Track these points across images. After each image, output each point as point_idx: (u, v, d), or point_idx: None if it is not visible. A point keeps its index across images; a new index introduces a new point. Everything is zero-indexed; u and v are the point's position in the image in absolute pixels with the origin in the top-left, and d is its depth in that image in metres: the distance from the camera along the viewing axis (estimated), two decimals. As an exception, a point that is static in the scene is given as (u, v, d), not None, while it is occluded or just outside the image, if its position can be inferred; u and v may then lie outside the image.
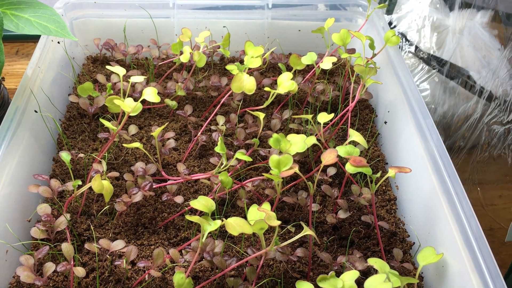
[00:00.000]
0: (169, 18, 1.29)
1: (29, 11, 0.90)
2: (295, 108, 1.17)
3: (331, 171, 0.98)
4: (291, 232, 0.91)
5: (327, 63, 1.04)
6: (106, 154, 1.01)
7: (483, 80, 1.26)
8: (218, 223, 0.72)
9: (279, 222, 0.69)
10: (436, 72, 1.36)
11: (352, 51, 1.18)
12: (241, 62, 1.31)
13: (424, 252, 0.77)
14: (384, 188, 1.03)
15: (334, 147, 0.84)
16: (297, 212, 0.95)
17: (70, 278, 0.80)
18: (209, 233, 0.78)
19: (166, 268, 0.82)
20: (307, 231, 0.71)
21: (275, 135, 0.89)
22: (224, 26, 1.30)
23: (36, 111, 0.99)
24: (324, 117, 0.95)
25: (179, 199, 0.91)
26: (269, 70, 1.30)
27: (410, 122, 0.99)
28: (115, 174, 0.94)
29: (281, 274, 0.84)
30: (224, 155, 0.91)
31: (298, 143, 0.88)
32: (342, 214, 0.90)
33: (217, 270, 0.83)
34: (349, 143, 0.90)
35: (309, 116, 0.96)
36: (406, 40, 1.42)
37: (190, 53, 1.12)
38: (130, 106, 0.92)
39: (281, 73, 1.03)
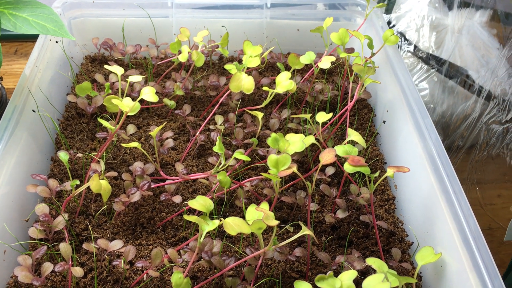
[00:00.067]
0: (167, 17, 1.29)
1: (27, 11, 0.90)
2: (293, 108, 1.17)
3: (330, 170, 0.98)
4: (289, 231, 0.91)
5: (325, 63, 1.04)
6: (104, 154, 1.01)
7: (482, 79, 1.26)
8: (216, 223, 0.72)
9: (277, 222, 0.69)
10: (435, 72, 1.36)
11: (350, 50, 1.18)
12: (240, 61, 1.31)
13: (423, 252, 0.77)
14: (382, 187, 1.03)
15: (333, 147, 0.84)
16: (295, 211, 0.95)
17: (68, 278, 0.80)
18: (208, 233, 0.78)
19: (164, 268, 0.82)
20: (305, 230, 0.71)
21: (273, 135, 0.89)
22: (222, 26, 1.29)
23: (34, 111, 0.99)
24: (322, 117, 0.95)
25: (177, 199, 0.91)
26: (267, 69, 1.30)
27: (408, 121, 0.99)
28: (113, 173, 0.94)
29: (279, 274, 0.84)
30: (223, 155, 0.91)
31: (297, 142, 0.88)
32: (340, 214, 0.90)
33: (215, 270, 0.83)
34: (348, 142, 0.90)
35: (308, 116, 0.96)
36: (405, 39, 1.41)
37: (189, 52, 1.12)
38: (128, 106, 0.92)
39: (280, 73, 1.03)
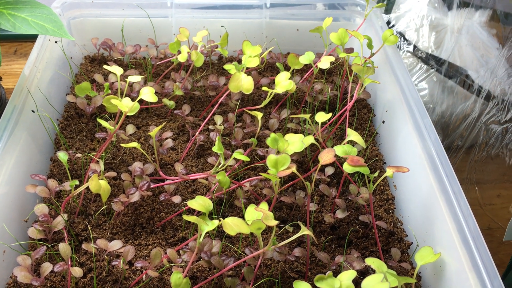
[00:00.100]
0: (167, 17, 1.29)
1: (26, 11, 0.90)
2: (293, 108, 1.17)
3: (329, 170, 0.98)
4: (288, 232, 0.91)
5: (325, 63, 1.04)
6: (104, 154, 1.01)
7: (481, 79, 1.26)
8: (215, 223, 0.72)
9: (276, 222, 0.69)
10: (434, 72, 1.36)
11: (350, 50, 1.18)
12: (239, 61, 1.31)
13: (422, 252, 0.77)
14: (382, 187, 1.03)
15: (332, 147, 0.84)
16: (295, 212, 0.95)
17: (67, 278, 0.80)
18: (207, 233, 0.78)
19: (164, 268, 0.82)
20: (304, 231, 0.71)
21: (272, 135, 0.89)
22: (222, 26, 1.29)
23: (33, 111, 0.99)
24: (322, 117, 0.95)
25: (176, 199, 0.91)
26: (267, 69, 1.30)
27: (408, 121, 0.99)
28: (112, 174, 0.94)
29: (278, 274, 0.84)
30: (222, 155, 0.91)
31: (296, 142, 0.88)
32: (340, 214, 0.90)
33: (214, 270, 0.83)
34: (347, 142, 0.90)
35: (307, 116, 0.96)
36: (405, 39, 1.41)
37: (188, 52, 1.12)
38: (127, 106, 0.91)
39: (279, 73, 1.03)
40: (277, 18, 1.32)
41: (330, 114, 0.95)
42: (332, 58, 1.04)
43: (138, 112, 1.13)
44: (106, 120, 1.09)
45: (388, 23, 1.46)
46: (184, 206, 0.93)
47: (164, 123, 1.06)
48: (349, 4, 1.31)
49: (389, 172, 0.80)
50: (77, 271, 0.77)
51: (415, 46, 1.39)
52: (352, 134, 0.91)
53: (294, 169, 0.79)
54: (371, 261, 0.72)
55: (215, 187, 0.91)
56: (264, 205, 0.76)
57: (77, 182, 0.86)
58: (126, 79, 1.00)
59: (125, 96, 0.98)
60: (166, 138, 1.04)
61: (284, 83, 1.00)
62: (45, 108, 1.04)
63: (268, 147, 1.04)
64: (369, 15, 1.24)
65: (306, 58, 1.08)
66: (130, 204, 0.92)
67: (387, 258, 0.88)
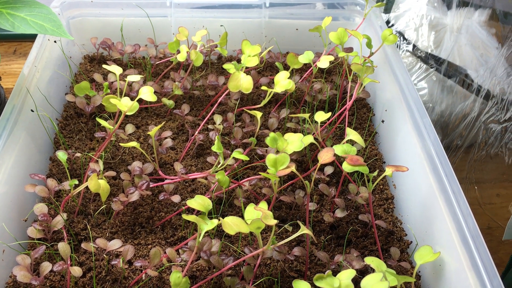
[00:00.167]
0: (166, 17, 1.29)
1: (25, 10, 0.90)
2: (292, 107, 1.17)
3: (328, 170, 0.98)
4: (288, 231, 0.91)
5: (324, 62, 1.04)
6: (103, 154, 1.01)
7: (480, 78, 1.26)
8: (215, 222, 0.72)
9: (276, 221, 0.69)
10: (433, 71, 1.36)
11: (349, 49, 1.18)
12: (238, 61, 1.31)
13: (421, 251, 0.77)
14: (381, 187, 1.03)
15: (332, 146, 0.84)
16: (294, 211, 0.95)
17: (67, 277, 0.80)
18: (206, 232, 0.78)
19: (163, 268, 0.82)
20: (304, 230, 0.71)
21: (272, 134, 0.89)
22: (221, 25, 1.29)
23: (32, 110, 0.99)
24: (321, 116, 0.95)
25: (176, 198, 0.91)
26: (266, 69, 1.30)
27: (407, 121, 0.99)
28: (112, 173, 0.94)
29: (278, 273, 0.84)
30: (221, 154, 0.91)
31: (295, 142, 0.88)
32: (339, 213, 0.90)
33: (214, 269, 0.83)
34: (347, 142, 0.90)
35: (307, 115, 0.96)
36: (404, 38, 1.41)
37: (187, 52, 1.12)
38: (126, 105, 0.91)
39: (279, 72, 1.03)
40: (277, 17, 1.32)
41: (329, 114, 0.95)
42: (332, 58, 1.04)
43: (137, 112, 1.13)
44: (106, 119, 1.09)
45: (388, 22, 1.46)
46: (184, 205, 0.93)
47: (163, 123, 1.06)
48: (349, 4, 1.31)
49: (388, 171, 0.80)
50: (76, 271, 0.77)
51: (414, 46, 1.39)
52: (351, 134, 0.91)
53: (293, 168, 0.79)
54: (371, 260, 0.72)
55: (214, 187, 0.91)
56: (263, 205, 0.76)
57: (76, 182, 0.86)
58: (125, 79, 1.00)
59: (125, 95, 0.98)
60: (166, 138, 1.03)
61: (283, 82, 1.00)
62: (44, 108, 1.04)
63: (267, 146, 1.04)
64: (368, 14, 1.24)
65: (306, 57, 1.08)
66: (130, 203, 0.92)
67: (386, 257, 0.88)
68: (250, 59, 1.05)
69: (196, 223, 0.79)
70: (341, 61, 1.30)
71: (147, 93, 0.95)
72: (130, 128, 1.04)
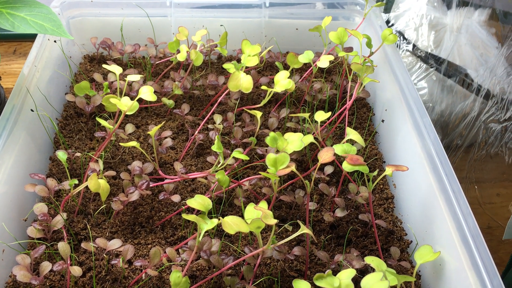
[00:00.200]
0: (166, 16, 1.29)
1: (25, 10, 0.90)
2: (292, 107, 1.17)
3: (329, 169, 0.98)
4: (288, 230, 0.91)
5: (324, 62, 1.04)
6: (103, 153, 1.01)
7: (480, 78, 1.26)
8: (215, 222, 0.71)
9: (276, 221, 0.69)
10: (433, 71, 1.36)
11: (349, 49, 1.18)
12: (238, 60, 1.31)
13: (421, 251, 0.77)
14: (381, 186, 1.03)
15: (332, 146, 0.84)
16: (294, 210, 0.95)
17: (66, 277, 0.80)
18: (206, 232, 0.78)
19: (163, 267, 0.82)
20: (304, 229, 0.71)
21: (272, 134, 0.89)
22: (221, 25, 1.29)
23: (32, 110, 0.99)
24: (321, 116, 0.95)
25: (176, 198, 0.90)
26: (266, 68, 1.30)
27: (407, 120, 0.99)
28: (112, 173, 0.94)
29: (278, 272, 0.84)
30: (221, 154, 0.91)
31: (295, 141, 0.88)
32: (339, 213, 0.90)
33: (214, 269, 0.83)
34: (347, 141, 0.90)
35: (306, 115, 0.96)
36: (404, 38, 1.41)
37: (187, 51, 1.12)
38: (126, 105, 0.91)
39: (278, 72, 1.03)
40: (276, 17, 1.32)
41: (329, 113, 0.95)
42: (332, 57, 1.04)
43: (137, 111, 1.13)
44: (105, 119, 1.09)
45: (388, 22, 1.46)
46: (184, 205, 0.93)
47: (163, 122, 1.06)
48: (348, 3, 1.31)
49: (388, 171, 0.80)
50: (76, 270, 0.77)
51: (414, 45, 1.39)
52: (351, 133, 0.91)
53: (293, 168, 0.79)
54: (371, 260, 0.72)
55: (214, 186, 0.91)
56: (263, 204, 0.76)
57: (76, 181, 0.86)
58: (125, 78, 1.00)
59: (124, 95, 0.98)
60: (166, 137, 1.03)
61: (283, 82, 1.00)
62: (44, 108, 1.04)
63: (267, 146, 1.04)
64: (368, 14, 1.24)
65: (306, 57, 1.08)
66: (130, 203, 0.92)
67: (386, 257, 0.88)
68: (250, 59, 1.05)
69: (196, 223, 0.79)
70: (341, 61, 1.30)
71: (147, 93, 0.94)
72: (130, 128, 1.04)
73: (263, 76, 1.23)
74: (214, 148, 0.88)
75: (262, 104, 1.05)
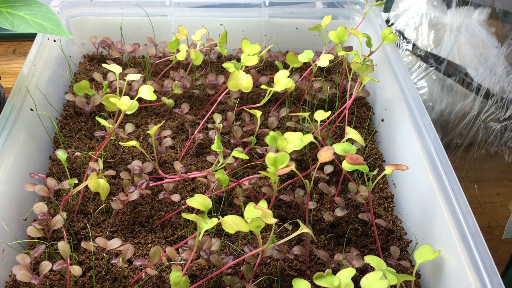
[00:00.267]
0: (165, 16, 1.29)
1: (24, 9, 0.90)
2: (292, 106, 1.17)
3: (328, 169, 0.98)
4: (288, 230, 0.91)
5: (324, 61, 1.04)
6: (103, 153, 1.01)
7: (480, 77, 1.26)
8: (214, 221, 0.71)
9: (276, 220, 0.69)
10: (433, 70, 1.36)
11: (349, 48, 1.18)
12: (238, 60, 1.31)
13: (421, 250, 0.77)
14: (381, 186, 1.03)
15: (331, 145, 0.84)
16: (294, 210, 0.95)
17: (66, 276, 0.80)
18: (206, 231, 0.78)
19: (163, 267, 0.82)
20: (304, 229, 0.71)
21: (272, 133, 0.89)
22: (221, 24, 1.29)
23: (32, 110, 0.99)
24: (321, 115, 0.95)
25: (176, 197, 0.90)
26: (266, 68, 1.30)
27: (407, 119, 0.99)
28: (111, 172, 0.94)
29: (278, 272, 0.84)
30: (221, 153, 0.91)
31: (295, 141, 0.88)
32: (339, 212, 0.90)
33: (214, 268, 0.83)
34: (346, 140, 0.90)
35: (306, 114, 0.96)
36: (404, 37, 1.41)
37: (187, 51, 1.12)
38: (126, 104, 0.91)
39: (278, 71, 1.03)
40: (276, 16, 1.31)
41: (329, 113, 0.95)
42: (331, 57, 1.04)
43: (137, 111, 1.13)
44: (105, 118, 1.09)
45: (387, 21, 1.46)
46: (183, 204, 0.93)
47: (163, 122, 1.06)
48: (348, 3, 1.31)
49: (388, 170, 0.80)
50: (76, 270, 0.77)
51: (414, 45, 1.39)
52: (351, 132, 0.91)
53: (293, 167, 0.79)
54: (370, 259, 0.72)
55: (214, 186, 0.91)
56: (263, 203, 0.76)
57: (76, 181, 0.86)
58: (125, 78, 1.00)
59: (124, 94, 0.98)
60: (165, 137, 1.03)
61: (283, 81, 1.00)
62: (44, 107, 1.04)
63: (267, 145, 1.04)
64: (368, 13, 1.24)
65: (305, 56, 1.08)
66: (129, 202, 0.92)
67: (386, 256, 0.88)
68: (250, 58, 1.05)
69: (195, 222, 0.79)
70: (340, 60, 1.30)
71: (147, 92, 0.94)
72: (129, 127, 1.04)
73: (263, 76, 1.23)
74: (213, 147, 0.88)
75: (262, 103, 1.05)
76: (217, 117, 1.08)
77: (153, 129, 0.91)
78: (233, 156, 0.92)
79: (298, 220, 0.75)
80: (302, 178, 0.81)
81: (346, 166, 0.79)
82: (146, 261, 0.80)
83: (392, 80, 1.07)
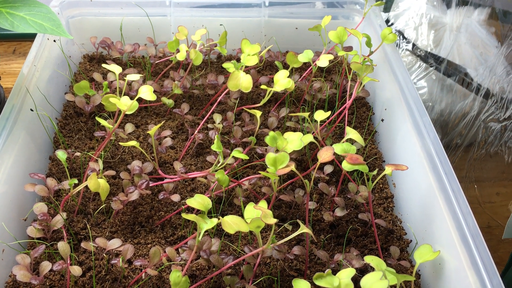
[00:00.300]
0: (165, 16, 1.29)
1: (24, 9, 0.90)
2: (292, 106, 1.17)
3: (328, 169, 0.98)
4: (288, 230, 0.91)
5: (323, 61, 1.04)
6: (103, 153, 1.01)
7: (480, 77, 1.26)
8: (214, 221, 0.71)
9: (275, 220, 0.69)
10: (433, 70, 1.36)
11: (349, 48, 1.18)
12: (238, 60, 1.31)
13: (421, 250, 0.77)
14: (381, 186, 1.03)
15: (331, 145, 0.84)
16: (294, 210, 0.95)
17: (66, 277, 0.80)
18: (206, 231, 0.78)
19: (163, 267, 0.82)
20: (304, 229, 0.71)
21: (271, 133, 0.89)
22: (221, 24, 1.29)
23: (32, 110, 0.99)
24: (321, 115, 0.95)
25: (175, 197, 0.90)
26: (266, 68, 1.30)
27: (407, 119, 0.99)
28: (111, 172, 0.94)
29: (278, 272, 0.84)
30: (221, 153, 0.91)
31: (295, 141, 0.88)
32: (339, 212, 0.90)
33: (213, 269, 0.83)
34: (346, 140, 0.90)
35: (306, 114, 0.96)
36: (403, 37, 1.41)
37: (187, 51, 1.12)
38: (126, 105, 0.91)
39: (278, 71, 1.03)
40: (276, 16, 1.32)
41: (329, 113, 0.95)
42: (331, 57, 1.04)
43: (137, 111, 1.13)
44: (105, 118, 1.09)
45: (387, 21, 1.46)
46: (183, 204, 0.93)
47: (163, 122, 1.06)
48: (348, 3, 1.31)
49: (388, 170, 0.80)
50: (76, 270, 0.77)
51: (414, 44, 1.39)
52: (351, 132, 0.91)
53: (293, 167, 0.79)
54: (370, 259, 0.72)
55: (214, 186, 0.91)
56: (263, 204, 0.76)
57: (76, 181, 0.86)
58: (125, 78, 1.00)
59: (124, 94, 0.98)
60: (165, 137, 1.03)
61: (283, 81, 1.00)
62: (44, 107, 1.04)
63: (267, 145, 1.04)
64: (368, 13, 1.24)
65: (305, 56, 1.08)
66: (129, 202, 0.92)
67: (386, 256, 0.88)
68: (250, 58, 1.05)
69: (195, 222, 0.79)
70: (340, 60, 1.30)
71: (147, 92, 0.94)
72: (129, 127, 1.04)
73: (263, 76, 1.23)
74: (213, 147, 0.88)
75: (261, 103, 1.05)
76: (217, 117, 1.08)
77: (153, 129, 0.91)
78: (233, 156, 0.92)
79: (298, 220, 0.75)
80: (302, 178, 0.81)
81: (346, 166, 0.79)
82: (146, 261, 0.80)
83: (392, 80, 1.07)
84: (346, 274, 0.66)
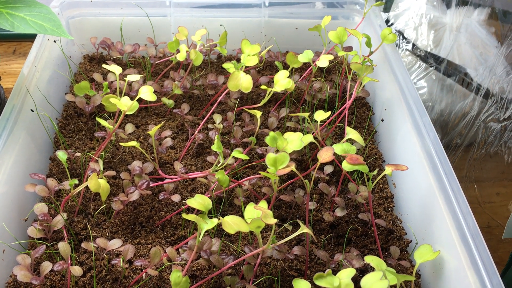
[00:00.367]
0: (165, 16, 1.29)
1: (24, 10, 0.90)
2: (292, 106, 1.17)
3: (328, 169, 0.98)
4: (288, 230, 0.91)
5: (323, 61, 1.04)
6: (103, 153, 1.01)
7: (480, 77, 1.26)
8: (215, 221, 0.72)
9: (276, 220, 0.69)
10: (433, 70, 1.36)
11: (349, 49, 1.18)
12: (238, 60, 1.31)
13: (421, 250, 0.77)
14: (381, 186, 1.03)
15: (331, 145, 0.84)
16: (294, 210, 0.95)
17: (67, 277, 0.80)
18: (206, 231, 0.78)
19: (163, 267, 0.82)
20: (304, 229, 0.71)
21: (272, 133, 0.89)
22: (221, 25, 1.29)
23: (32, 110, 0.99)
24: (321, 115, 0.95)
25: (176, 197, 0.91)
26: (266, 68, 1.30)
27: (407, 119, 0.99)
28: (112, 173, 0.94)
29: (278, 272, 0.84)
30: (221, 154, 0.91)
31: (295, 141, 0.88)
32: (339, 212, 0.90)
33: (214, 269, 0.83)
34: (346, 141, 0.90)
35: (306, 114, 0.96)
36: (403, 38, 1.42)
37: (187, 51, 1.12)
38: (126, 105, 0.91)
39: (278, 71, 1.03)
40: (276, 16, 1.32)
41: (329, 113, 0.95)
42: (331, 57, 1.04)
43: (137, 111, 1.13)
44: (105, 119, 1.09)
45: (387, 21, 1.46)
46: (184, 204, 0.93)
47: (163, 122, 1.06)
48: (348, 3, 1.32)
49: (388, 170, 0.80)
50: (76, 270, 0.77)
51: (414, 45, 1.39)
52: (351, 133, 0.92)
53: (293, 167, 0.79)
54: (370, 259, 0.72)
55: (214, 186, 0.91)
56: (263, 204, 0.76)
57: (76, 181, 0.86)
58: (125, 78, 1.00)
59: (124, 95, 0.98)
60: (165, 137, 1.04)
61: (283, 81, 1.00)
62: (44, 108, 1.04)
63: (267, 145, 1.04)
64: (367, 13, 1.24)
65: (305, 56, 1.08)
66: (130, 203, 0.92)
67: (386, 256, 0.88)
68: (250, 59, 1.05)
69: (196, 223, 0.79)
70: (340, 60, 1.30)
71: (147, 93, 0.95)
72: (130, 128, 1.04)
73: (263, 76, 1.23)
74: (214, 147, 0.88)
75: (261, 103, 1.05)
76: (217, 118, 1.08)
77: (153, 130, 0.91)
78: (233, 157, 0.92)
79: (298, 220, 0.75)
80: (302, 178, 0.81)
81: (346, 166, 0.79)
82: (147, 261, 0.80)
83: (391, 80, 1.07)
84: (346, 274, 0.66)
